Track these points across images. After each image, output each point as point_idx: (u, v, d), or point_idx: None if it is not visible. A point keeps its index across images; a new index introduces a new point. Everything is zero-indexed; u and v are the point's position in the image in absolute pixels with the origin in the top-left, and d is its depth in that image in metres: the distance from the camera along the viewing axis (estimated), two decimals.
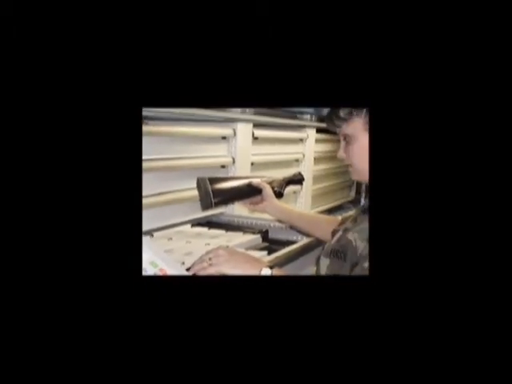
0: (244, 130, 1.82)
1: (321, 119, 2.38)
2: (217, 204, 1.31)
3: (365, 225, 0.95)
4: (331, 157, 2.71)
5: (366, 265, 0.89)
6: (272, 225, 1.59)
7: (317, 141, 2.52)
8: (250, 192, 1.37)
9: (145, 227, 1.33)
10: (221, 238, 1.42)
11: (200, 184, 1.32)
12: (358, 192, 3.31)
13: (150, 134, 1.37)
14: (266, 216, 1.48)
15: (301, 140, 2.40)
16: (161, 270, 0.84)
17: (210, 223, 1.67)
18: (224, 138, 1.78)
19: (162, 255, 0.88)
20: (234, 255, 0.96)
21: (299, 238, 1.50)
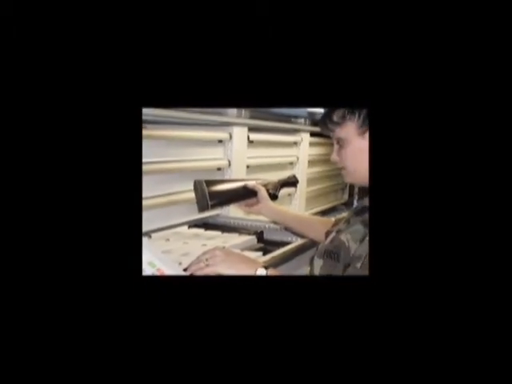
0: (240, 134, 1.83)
1: (315, 123, 2.38)
2: (213, 206, 1.32)
3: (357, 226, 0.96)
4: (325, 160, 2.71)
5: (359, 265, 0.89)
6: (267, 226, 1.60)
7: (311, 144, 2.53)
8: (245, 194, 1.38)
9: (143, 228, 1.32)
10: (217, 239, 1.42)
11: (197, 186, 1.32)
12: (351, 194, 3.31)
13: (149, 137, 1.37)
14: (261, 217, 1.48)
15: (295, 143, 2.41)
16: (158, 270, 0.85)
17: (206, 224, 1.67)
18: (220, 141, 1.78)
19: (160, 256, 0.89)
20: (229, 256, 0.97)
21: (293, 239, 1.50)
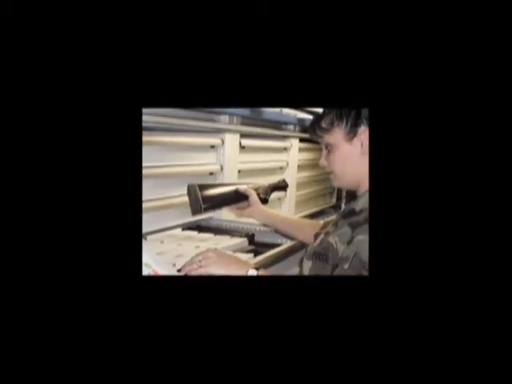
0: (231, 140, 1.83)
1: (304, 129, 2.39)
2: (206, 209, 1.32)
3: (345, 229, 0.96)
4: (313, 165, 2.72)
5: (346, 266, 0.89)
6: (258, 229, 1.60)
7: (300, 150, 2.54)
8: (237, 198, 1.38)
9: None
10: (210, 241, 1.42)
11: (190, 190, 1.32)
12: (339, 198, 3.32)
13: (144, 143, 1.36)
14: (252, 220, 1.48)
15: (285, 149, 2.42)
16: (153, 270, 0.84)
17: (199, 227, 1.67)
18: (213, 146, 1.78)
19: (155, 257, 0.88)
20: (222, 257, 0.97)
21: (284, 241, 1.51)
